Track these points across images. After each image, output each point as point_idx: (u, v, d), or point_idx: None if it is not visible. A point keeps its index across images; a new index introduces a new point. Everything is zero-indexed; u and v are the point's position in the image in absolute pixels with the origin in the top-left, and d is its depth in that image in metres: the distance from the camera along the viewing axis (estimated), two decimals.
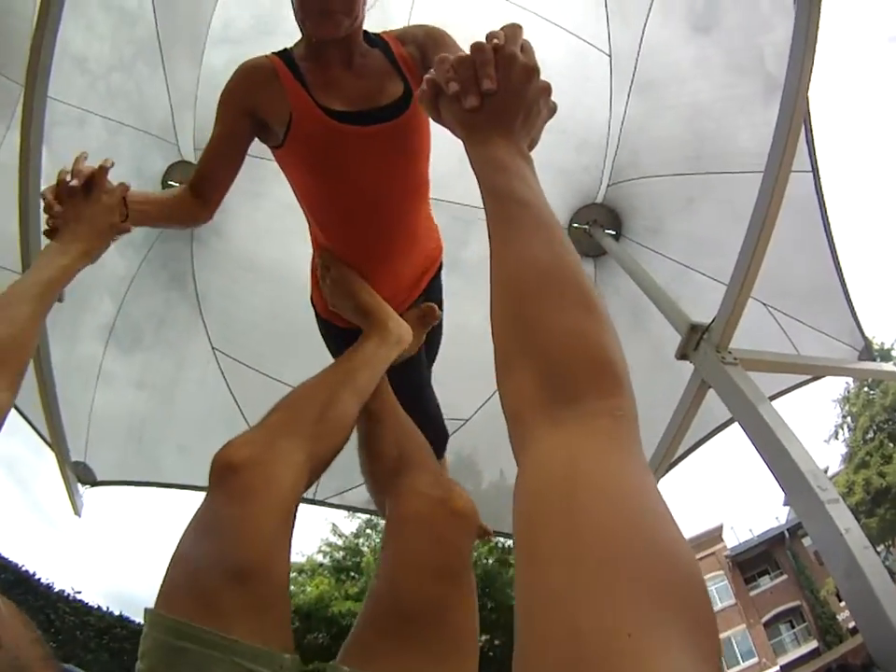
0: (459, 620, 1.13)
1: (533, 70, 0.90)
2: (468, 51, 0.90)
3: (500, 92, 0.88)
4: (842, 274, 3.08)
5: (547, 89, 0.92)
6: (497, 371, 0.67)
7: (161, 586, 1.02)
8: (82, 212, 1.40)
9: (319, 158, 1.59)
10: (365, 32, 1.64)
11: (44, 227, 1.42)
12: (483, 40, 0.89)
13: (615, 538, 0.43)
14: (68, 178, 1.41)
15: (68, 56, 2.87)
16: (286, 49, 1.63)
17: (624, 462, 0.52)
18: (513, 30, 0.91)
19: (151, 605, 1.01)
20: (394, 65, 1.62)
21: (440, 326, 2.03)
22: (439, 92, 0.93)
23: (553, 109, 0.96)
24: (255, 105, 1.57)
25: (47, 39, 2.17)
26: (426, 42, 1.61)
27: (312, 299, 1.98)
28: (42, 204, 1.40)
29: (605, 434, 0.54)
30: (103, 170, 1.46)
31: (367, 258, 1.76)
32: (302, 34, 1.61)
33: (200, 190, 1.64)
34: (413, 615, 1.08)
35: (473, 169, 0.87)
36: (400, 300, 1.88)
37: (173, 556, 1.06)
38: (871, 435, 21.04)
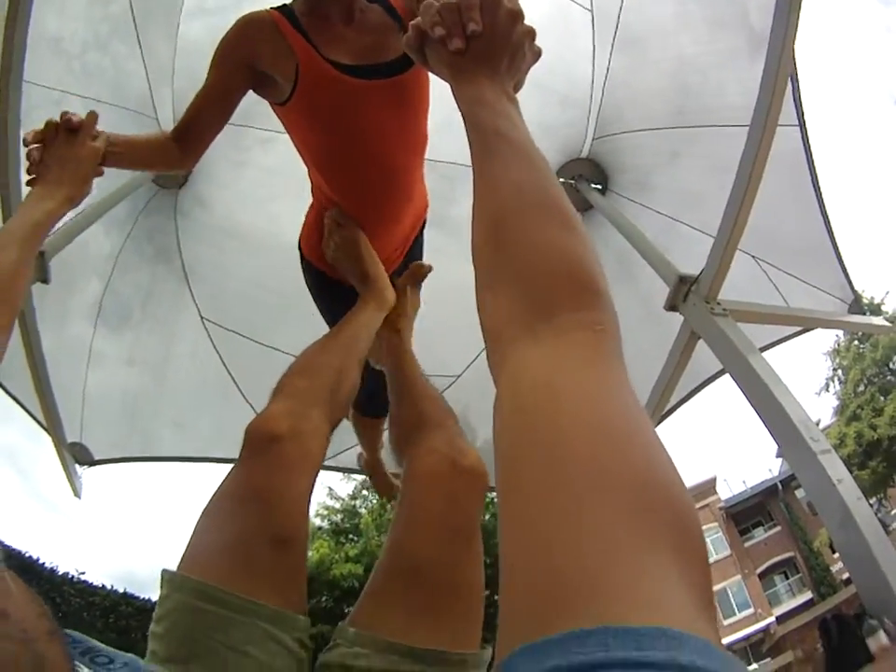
0: (471, 581, 1.12)
1: (517, 14, 0.91)
2: None
3: (486, 35, 0.89)
4: (831, 228, 3.08)
5: (531, 32, 0.93)
6: (477, 293, 0.66)
7: (189, 548, 1.04)
8: (66, 156, 1.39)
9: (327, 112, 1.58)
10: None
11: (25, 176, 1.41)
12: None
13: (597, 463, 0.41)
14: (64, 118, 1.41)
15: (43, 39, 2.82)
16: (285, 5, 1.61)
17: (605, 378, 0.51)
18: None
19: (156, 582, 1.02)
20: (395, 19, 1.61)
21: None
22: (425, 38, 0.94)
23: (537, 53, 0.96)
24: (256, 57, 1.54)
25: (20, 24, 2.12)
26: None
27: (301, 246, 1.97)
28: (23, 157, 1.40)
29: (585, 348, 0.53)
30: (93, 115, 1.46)
31: (368, 214, 1.76)
32: None
33: (183, 139, 1.59)
34: (424, 573, 1.07)
35: (460, 108, 0.88)
36: (391, 258, 1.89)
37: (205, 520, 1.09)
38: (861, 388, 21.26)
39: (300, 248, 1.97)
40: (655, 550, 0.36)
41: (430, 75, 1.49)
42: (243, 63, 1.55)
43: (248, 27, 1.55)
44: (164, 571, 1.02)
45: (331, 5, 1.55)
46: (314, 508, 15.84)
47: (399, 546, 1.16)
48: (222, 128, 1.64)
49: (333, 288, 1.88)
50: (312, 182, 1.85)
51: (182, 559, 1.04)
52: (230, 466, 1.20)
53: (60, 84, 3.03)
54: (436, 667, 0.99)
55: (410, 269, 1.93)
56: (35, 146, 1.38)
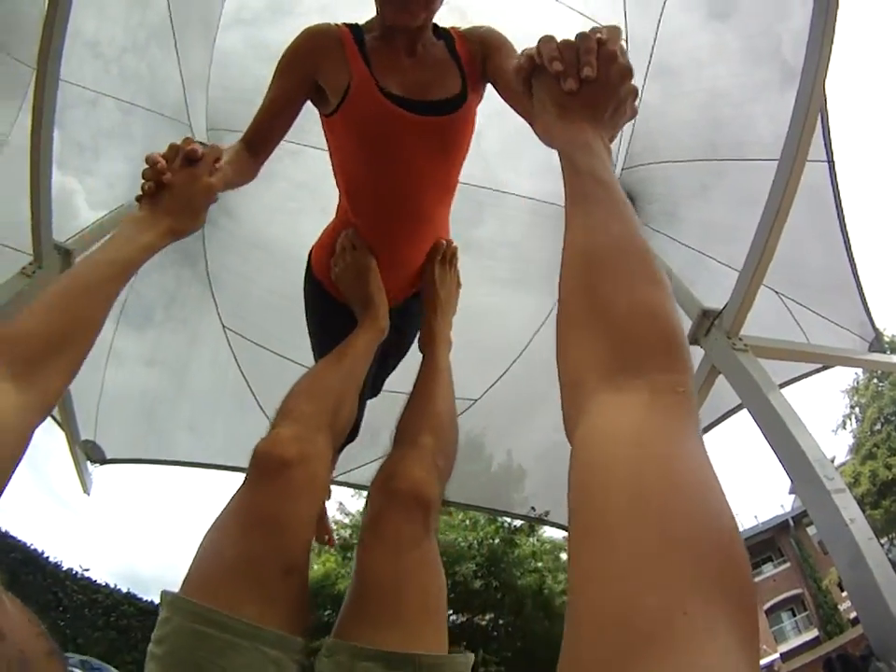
0: (426, 589, 1.18)
1: (629, 70, 0.94)
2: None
3: (598, 82, 0.91)
4: (854, 265, 3.06)
5: (635, 91, 0.97)
6: (561, 337, 0.68)
7: (193, 570, 1.07)
8: (180, 186, 1.24)
9: (366, 134, 1.59)
10: (434, 24, 1.65)
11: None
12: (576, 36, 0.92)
13: (678, 520, 0.45)
14: (188, 147, 1.26)
15: (80, 41, 2.87)
16: (356, 24, 1.63)
17: (687, 442, 0.53)
18: (615, 31, 0.95)
19: (159, 583, 1.08)
20: (455, 61, 1.62)
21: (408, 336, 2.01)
22: (535, 69, 0.97)
23: (635, 112, 1.00)
24: (317, 68, 1.56)
25: (58, 21, 2.16)
26: (489, 42, 1.62)
27: (311, 255, 1.97)
28: (146, 166, 1.22)
29: (670, 410, 0.55)
30: (217, 150, 1.34)
31: (386, 242, 1.76)
32: (377, 13, 1.59)
33: (253, 146, 1.59)
34: (378, 585, 1.14)
35: (556, 146, 0.91)
36: (402, 287, 1.88)
37: (211, 541, 1.12)
38: (878, 427, 20.98)
39: (309, 257, 1.98)
40: (718, 610, 0.40)
41: (474, 124, 1.49)
42: (307, 72, 1.57)
43: (316, 38, 1.57)
44: (165, 593, 1.04)
45: (400, 35, 1.57)
46: None
47: (359, 560, 1.23)
48: (287, 133, 1.65)
49: (330, 305, 1.88)
50: (339, 201, 1.86)
51: (186, 580, 1.06)
52: (241, 475, 1.22)
53: (96, 85, 3.08)
54: (409, 670, 1.04)
55: (432, 247, 1.88)
56: (157, 167, 1.22)
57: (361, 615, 1.13)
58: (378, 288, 1.76)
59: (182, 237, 1.26)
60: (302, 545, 1.17)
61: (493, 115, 2.12)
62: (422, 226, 1.75)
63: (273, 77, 1.60)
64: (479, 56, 1.62)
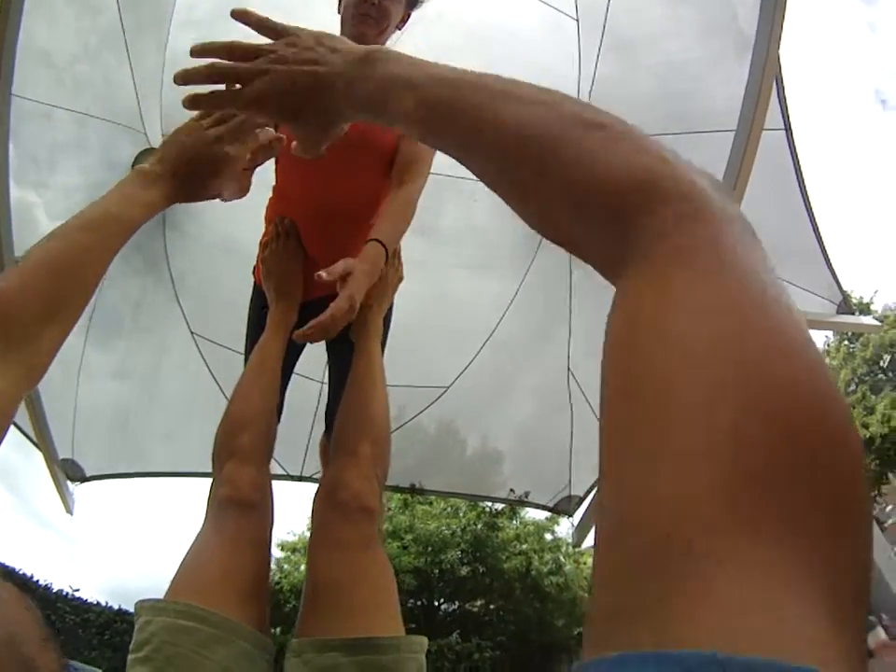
0: (375, 582, 1.26)
1: None
2: None
3: None
4: (818, 230, 3.11)
5: None
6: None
7: (171, 587, 1.14)
8: (191, 144, 1.10)
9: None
10: None
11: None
12: None
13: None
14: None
15: (31, 51, 2.82)
16: None
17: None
18: None
19: (148, 595, 1.14)
20: None
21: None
22: None
23: None
24: None
25: (8, 36, 2.12)
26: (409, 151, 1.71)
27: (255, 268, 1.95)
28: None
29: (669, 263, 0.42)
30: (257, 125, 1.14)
31: (322, 238, 1.76)
32: (341, 31, 1.69)
33: None
34: (331, 583, 1.23)
35: None
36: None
37: (186, 563, 1.20)
38: (853, 388, 21.33)
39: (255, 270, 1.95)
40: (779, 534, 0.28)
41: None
42: None
43: None
44: (143, 601, 1.10)
45: None
46: (304, 522, 15.78)
47: (310, 562, 1.35)
48: None
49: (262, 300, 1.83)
50: (272, 194, 1.88)
51: (165, 594, 1.13)
52: None
53: (49, 97, 3.03)
54: (370, 654, 1.09)
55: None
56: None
57: (319, 613, 1.21)
58: (297, 284, 1.75)
59: (186, 202, 1.15)
60: (266, 560, 1.35)
61: None
62: (359, 224, 1.69)
63: None
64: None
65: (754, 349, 0.33)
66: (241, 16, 0.92)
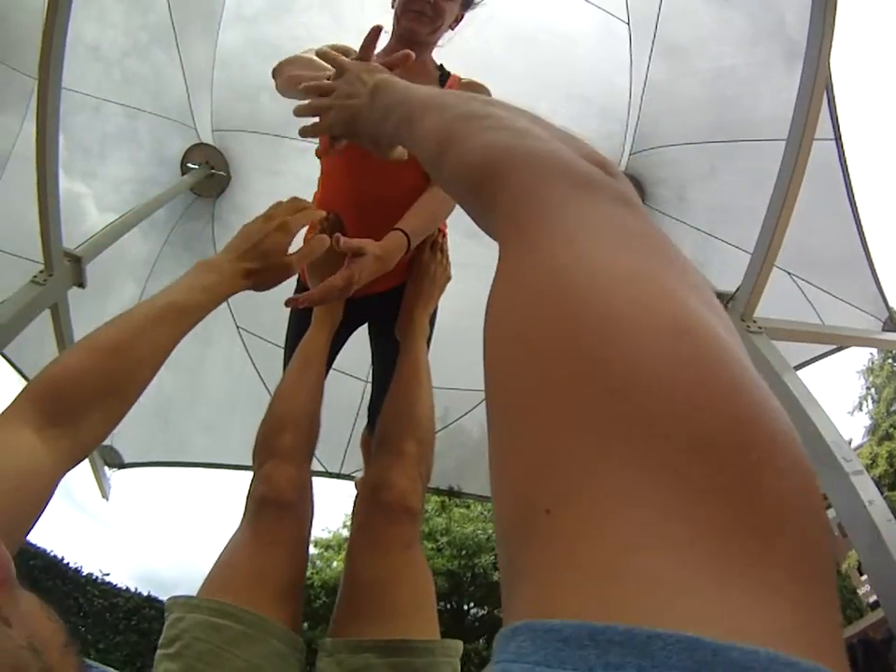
0: (414, 583, 1.25)
1: None
2: None
3: None
4: (866, 243, 3.03)
5: None
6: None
7: (205, 584, 1.15)
8: (253, 230, 1.21)
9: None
10: (441, 65, 1.76)
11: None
12: None
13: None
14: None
15: (81, 45, 2.88)
16: None
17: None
18: None
19: (180, 585, 1.18)
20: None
21: None
22: None
23: None
24: None
25: (58, 29, 2.16)
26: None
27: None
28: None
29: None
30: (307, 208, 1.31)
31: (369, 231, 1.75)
32: (393, 30, 1.69)
33: None
34: (370, 584, 1.22)
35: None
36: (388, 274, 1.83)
37: (221, 562, 1.21)
38: (895, 407, 20.83)
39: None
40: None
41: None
42: None
43: None
44: (174, 597, 1.13)
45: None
46: (340, 519, 15.91)
47: (349, 562, 1.33)
48: None
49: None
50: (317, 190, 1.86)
51: (199, 591, 1.14)
52: None
53: (98, 91, 3.10)
54: (405, 657, 1.09)
55: None
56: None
57: (355, 613, 1.20)
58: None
59: (259, 285, 1.18)
60: (303, 560, 1.33)
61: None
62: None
63: None
64: None
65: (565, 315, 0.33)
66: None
